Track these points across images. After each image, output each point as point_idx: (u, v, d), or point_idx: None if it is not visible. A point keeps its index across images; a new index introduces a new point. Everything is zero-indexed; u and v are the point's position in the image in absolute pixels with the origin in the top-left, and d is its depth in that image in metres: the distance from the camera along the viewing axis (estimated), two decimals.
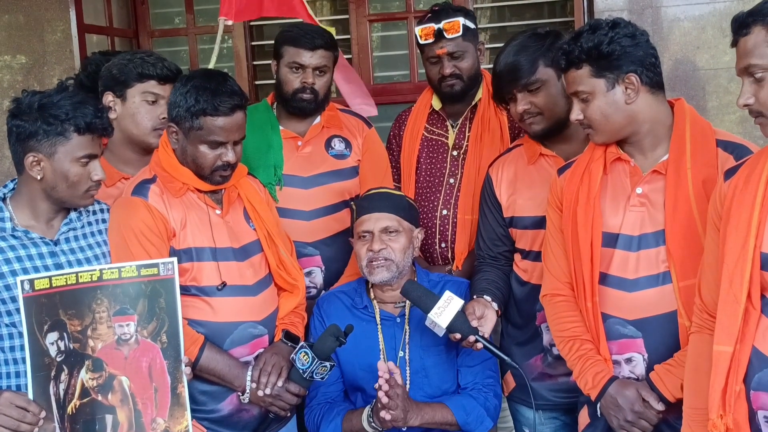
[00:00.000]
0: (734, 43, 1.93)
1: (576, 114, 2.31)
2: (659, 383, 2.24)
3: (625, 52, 2.21)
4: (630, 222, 2.30)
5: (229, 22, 3.53)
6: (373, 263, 2.68)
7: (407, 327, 2.73)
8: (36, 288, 2.19)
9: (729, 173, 2.02)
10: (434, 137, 3.24)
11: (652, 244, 2.27)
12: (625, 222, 2.31)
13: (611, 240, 2.32)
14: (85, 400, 2.23)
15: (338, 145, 3.18)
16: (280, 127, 3.15)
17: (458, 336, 2.49)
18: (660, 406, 2.24)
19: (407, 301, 2.69)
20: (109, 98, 2.77)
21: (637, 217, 2.30)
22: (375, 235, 2.69)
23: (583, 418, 2.47)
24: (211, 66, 3.46)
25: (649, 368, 2.28)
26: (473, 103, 3.19)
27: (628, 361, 2.32)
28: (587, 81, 2.25)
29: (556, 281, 2.46)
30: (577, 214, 2.35)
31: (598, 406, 2.34)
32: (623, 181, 2.34)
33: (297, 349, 2.51)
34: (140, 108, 2.75)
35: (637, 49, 2.23)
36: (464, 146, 3.16)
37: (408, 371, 2.69)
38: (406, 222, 2.74)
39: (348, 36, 4.94)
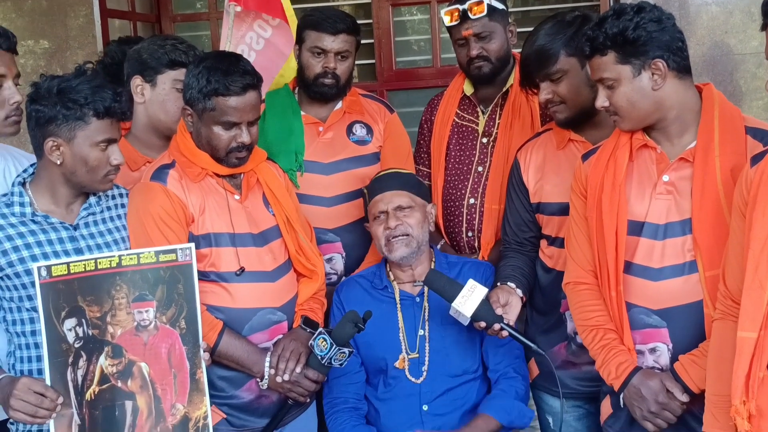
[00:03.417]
0: (764, 26, 1.90)
1: (602, 101, 2.27)
2: (684, 374, 2.21)
3: (651, 37, 2.16)
4: (656, 210, 2.27)
5: (239, 8, 3.50)
6: (392, 240, 2.68)
7: (426, 305, 2.73)
8: (53, 274, 2.18)
9: (756, 159, 1.99)
10: (465, 123, 3.18)
11: (679, 233, 2.24)
12: (651, 210, 2.27)
13: (636, 228, 2.29)
14: (104, 387, 2.23)
15: (359, 131, 3.15)
16: (302, 113, 3.13)
17: (483, 324, 2.48)
18: (684, 398, 2.21)
19: None
20: (137, 82, 2.75)
21: (664, 205, 2.26)
22: (390, 213, 2.70)
23: (606, 408, 2.45)
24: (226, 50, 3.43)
25: (674, 358, 2.25)
26: (505, 88, 3.12)
27: (652, 351, 2.29)
28: (612, 68, 2.21)
29: (579, 269, 2.43)
30: (602, 201, 2.32)
31: (621, 396, 2.32)
32: (649, 169, 2.30)
33: (315, 335, 2.50)
34: (170, 95, 2.74)
35: (664, 34, 2.18)
36: (494, 133, 3.09)
37: (427, 349, 2.69)
38: (419, 198, 2.75)
39: (370, 21, 4.92)
